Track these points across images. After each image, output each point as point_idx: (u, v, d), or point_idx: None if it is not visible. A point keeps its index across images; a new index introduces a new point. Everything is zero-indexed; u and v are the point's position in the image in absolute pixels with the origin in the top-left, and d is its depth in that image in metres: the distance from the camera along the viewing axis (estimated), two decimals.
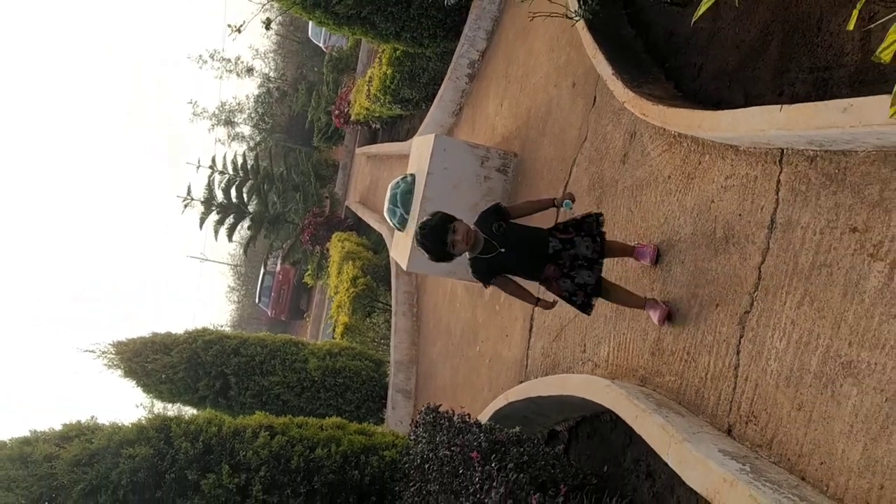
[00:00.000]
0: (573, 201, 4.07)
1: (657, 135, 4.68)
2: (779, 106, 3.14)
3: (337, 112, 19.88)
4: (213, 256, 50.88)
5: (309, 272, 21.89)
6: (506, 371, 6.74)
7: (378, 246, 15.69)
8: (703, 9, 2.78)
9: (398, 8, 9.34)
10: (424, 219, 4.11)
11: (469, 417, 4.98)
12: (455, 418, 4.88)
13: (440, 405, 5.22)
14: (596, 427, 5.36)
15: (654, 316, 4.11)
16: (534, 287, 4.34)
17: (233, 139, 41.23)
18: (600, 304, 4.43)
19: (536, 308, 4.39)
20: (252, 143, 39.47)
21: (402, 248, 7.89)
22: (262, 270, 33.60)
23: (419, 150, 8.01)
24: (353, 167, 23.72)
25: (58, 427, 5.69)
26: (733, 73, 4.32)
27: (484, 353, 7.63)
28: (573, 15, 4.96)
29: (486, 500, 3.74)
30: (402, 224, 7.89)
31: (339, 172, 25.15)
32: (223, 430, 5.62)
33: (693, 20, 3.15)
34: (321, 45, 29.00)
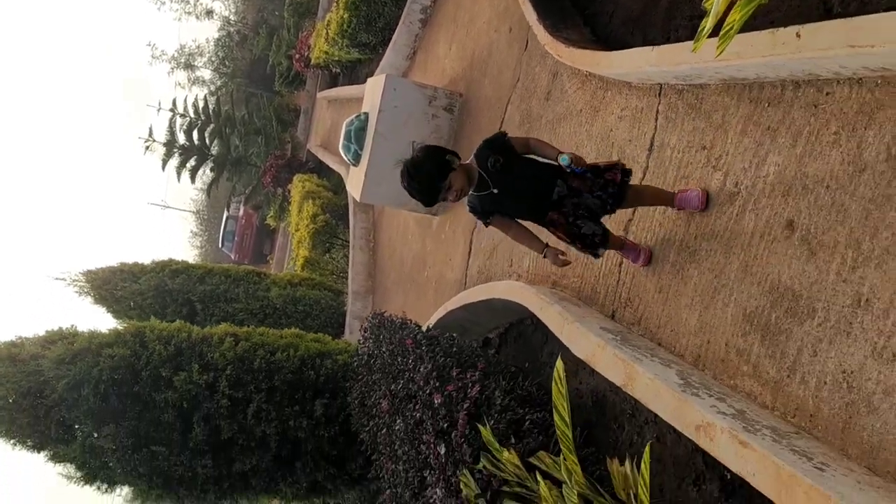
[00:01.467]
0: (577, 165, 3.40)
1: (573, 74, 5.37)
2: (651, 47, 3.85)
3: (298, 56, 20.13)
4: (175, 203, 50.66)
5: (271, 214, 22.38)
6: (449, 290, 7.50)
7: (337, 187, 16.24)
8: None
9: None
10: (414, 155, 3.49)
11: (410, 321, 5.73)
12: (397, 320, 5.62)
13: (385, 311, 5.96)
14: (521, 331, 6.17)
15: (638, 260, 3.95)
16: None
17: (193, 83, 40.77)
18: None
19: (474, 231, 4.87)
20: (213, 88, 39.15)
21: (356, 181, 8.53)
22: (224, 215, 33.74)
23: (372, 89, 8.60)
24: (314, 111, 24.02)
25: (41, 333, 6.31)
26: (636, 20, 5.01)
27: (431, 278, 8.39)
28: None
29: (415, 377, 4.50)
30: (356, 159, 8.51)
31: (301, 117, 25.40)
32: (192, 336, 6.31)
33: None
34: None
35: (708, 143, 3.70)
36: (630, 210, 4.19)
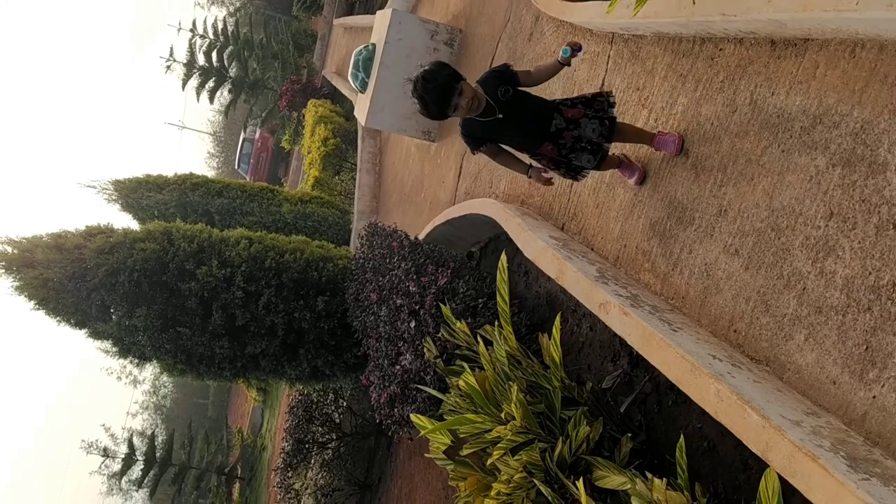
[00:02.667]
0: (579, 49, 3.52)
1: (550, 19, 6.10)
2: (599, 3, 4.60)
3: None
4: (192, 124, 51.34)
5: (286, 137, 23.15)
6: (441, 209, 8.37)
7: (349, 113, 16.95)
8: None
9: None
10: (427, 67, 3.51)
11: (399, 230, 6.63)
12: (388, 228, 6.53)
13: (379, 221, 6.86)
14: (497, 245, 7.07)
15: (632, 178, 4.16)
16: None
17: (212, 3, 40.93)
18: None
19: (465, 157, 5.62)
20: (232, 9, 39.29)
21: (362, 106, 9.31)
22: (241, 137, 34.49)
23: (380, 22, 9.29)
24: (330, 38, 24.46)
25: (82, 228, 7.27)
26: None
27: (427, 198, 9.25)
28: None
29: (398, 273, 5.42)
30: (363, 87, 9.27)
31: (318, 43, 25.85)
32: (213, 237, 7.26)
33: None
34: None
35: (640, 85, 4.49)
36: None
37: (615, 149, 4.10)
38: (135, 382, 55.02)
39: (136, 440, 24.31)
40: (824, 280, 2.82)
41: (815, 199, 2.94)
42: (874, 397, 2.52)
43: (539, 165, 3.87)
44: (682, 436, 3.17)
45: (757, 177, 3.30)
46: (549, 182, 3.86)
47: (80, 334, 7.13)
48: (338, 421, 9.05)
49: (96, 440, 22.79)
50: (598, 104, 3.67)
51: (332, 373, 7.63)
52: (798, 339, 2.90)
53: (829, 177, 2.89)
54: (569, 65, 3.64)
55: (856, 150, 2.79)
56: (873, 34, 2.73)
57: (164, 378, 55.26)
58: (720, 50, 3.76)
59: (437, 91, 3.42)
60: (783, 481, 2.48)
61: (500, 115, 3.56)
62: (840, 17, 2.70)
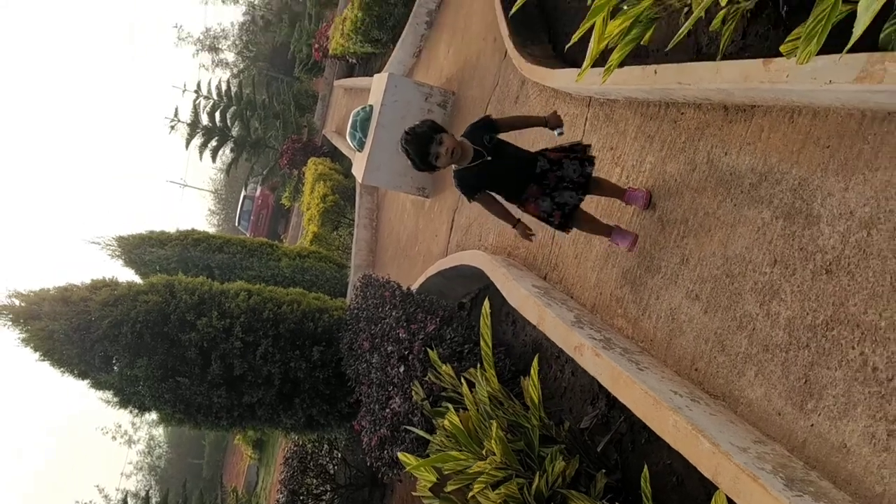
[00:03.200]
0: (562, 129, 4.03)
1: (534, 84, 6.52)
2: (574, 69, 5.00)
3: (317, 46, 21.32)
4: (193, 182, 52.11)
5: (286, 194, 23.63)
6: (433, 261, 8.69)
7: (348, 171, 17.42)
8: None
9: None
10: (413, 125, 3.87)
11: (391, 281, 6.93)
12: (381, 279, 6.82)
13: (372, 273, 7.16)
14: (487, 295, 7.34)
15: (623, 243, 4.24)
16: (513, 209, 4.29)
17: (217, 65, 42.11)
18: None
19: (457, 210, 5.89)
20: (236, 71, 40.43)
21: (360, 164, 9.72)
22: (242, 194, 35.05)
23: (377, 85, 9.77)
24: (331, 98, 25.21)
25: (87, 281, 7.57)
26: (584, 42, 6.15)
27: (420, 252, 9.58)
28: None
29: (389, 320, 5.70)
30: (361, 146, 9.70)
31: (318, 103, 26.60)
32: (213, 289, 7.54)
33: None
34: None
35: (614, 145, 4.85)
36: None
37: (606, 218, 4.46)
38: (129, 442, 54.48)
39: (130, 501, 24.07)
40: (770, 321, 3.10)
41: (761, 248, 3.25)
42: (812, 425, 2.78)
43: (524, 223, 4.14)
44: (645, 465, 3.40)
45: (713, 228, 3.62)
46: (530, 237, 4.18)
47: (75, 394, 7.33)
48: (332, 472, 9.17)
49: (90, 501, 22.57)
50: (576, 152, 3.99)
51: (327, 422, 7.81)
52: (749, 376, 3.17)
53: (773, 228, 3.20)
54: (552, 130, 4.04)
55: (795, 203, 3.11)
56: (806, 102, 3.09)
57: (160, 438, 54.71)
58: (682, 114, 4.12)
59: (416, 141, 3.76)
60: (732, 503, 2.73)
61: (489, 158, 3.85)
62: (775, 88, 3.06)
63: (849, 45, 2.22)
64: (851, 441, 2.61)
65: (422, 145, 3.75)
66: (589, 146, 4.06)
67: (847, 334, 2.72)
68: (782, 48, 2.81)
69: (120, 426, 51.38)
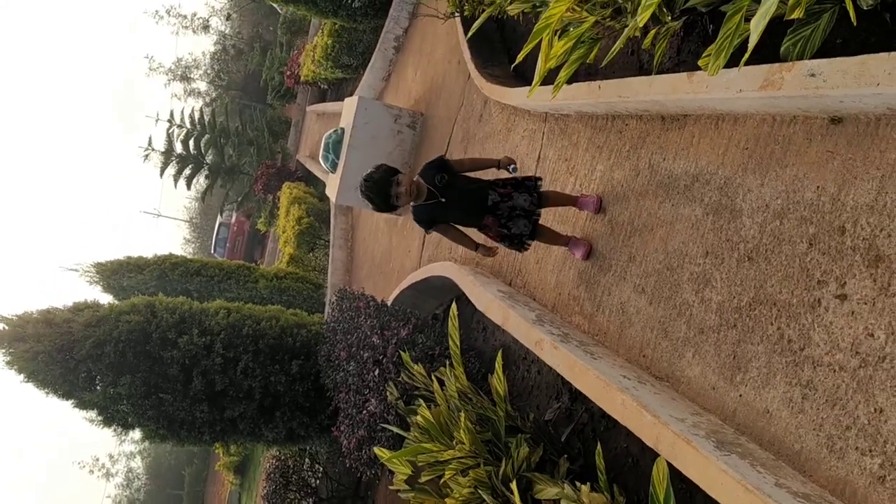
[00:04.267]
0: (515, 166, 4.36)
1: (495, 103, 6.90)
2: (529, 88, 5.37)
3: (289, 73, 21.68)
4: (168, 211, 52.00)
5: (262, 219, 23.85)
6: (406, 276, 9.00)
7: (323, 194, 17.72)
8: (514, 12, 4.98)
9: None
10: (369, 171, 4.14)
11: (365, 294, 7.22)
12: (356, 293, 7.11)
13: (347, 288, 7.44)
14: (459, 308, 7.66)
15: (578, 253, 4.55)
16: (473, 232, 4.57)
17: (189, 94, 42.32)
18: None
19: None
20: (208, 99, 40.65)
21: (332, 185, 10.03)
22: (217, 221, 35.09)
23: (348, 108, 10.12)
24: (304, 124, 25.55)
25: (69, 304, 7.76)
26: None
27: (395, 268, 9.88)
28: (442, 15, 7.10)
29: (364, 328, 5.98)
30: (334, 167, 10.02)
31: (292, 129, 26.93)
32: (193, 308, 7.77)
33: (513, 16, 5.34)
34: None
35: (568, 156, 5.22)
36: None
37: (564, 230, 4.82)
38: (107, 475, 53.69)
39: None
40: (704, 306, 3.45)
41: (695, 242, 3.61)
42: (740, 395, 3.12)
43: (484, 244, 4.50)
44: (599, 443, 3.72)
45: (655, 227, 3.98)
46: (493, 254, 4.56)
47: (51, 431, 7.48)
48: (314, 485, 9.36)
49: None
50: (526, 187, 4.32)
51: (308, 434, 8.04)
52: (688, 357, 3.51)
53: (705, 223, 3.56)
54: (503, 169, 4.38)
55: (721, 200, 3.48)
56: (726, 109, 3.46)
57: (138, 470, 53.95)
58: (626, 125, 4.50)
59: (375, 186, 4.06)
60: (672, 470, 3.04)
61: (442, 199, 4.15)
62: (698, 98, 3.43)
63: (745, 58, 2.60)
64: (773, 406, 2.95)
65: (382, 189, 4.05)
66: (540, 179, 4.39)
67: (766, 312, 3.07)
68: (700, 62, 3.19)
69: (97, 459, 50.66)
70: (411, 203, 4.22)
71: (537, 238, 4.50)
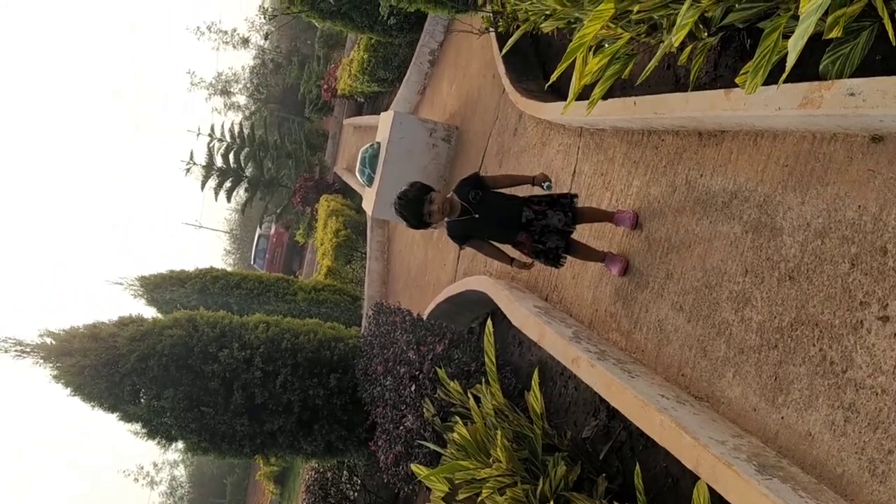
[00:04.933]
0: (550, 183, 4.37)
1: (530, 117, 6.90)
2: (564, 103, 5.36)
3: (326, 86, 21.95)
4: (208, 223, 52.97)
5: (300, 231, 24.11)
6: (442, 290, 9.02)
7: (359, 206, 17.86)
8: (548, 29, 5.00)
9: (371, 6, 11.47)
10: (403, 188, 4.21)
11: (402, 308, 7.26)
12: (392, 307, 7.15)
13: (383, 302, 7.49)
14: (495, 321, 7.65)
15: (615, 269, 4.53)
16: (507, 247, 4.63)
17: (229, 108, 43.05)
18: None
19: None
20: (248, 113, 41.32)
21: (369, 199, 10.12)
22: (256, 233, 35.58)
23: (383, 123, 10.21)
24: (340, 137, 25.82)
25: (114, 319, 7.94)
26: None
27: (430, 281, 9.91)
28: (476, 31, 7.13)
29: (400, 344, 6.02)
30: (370, 181, 10.11)
31: (329, 141, 27.22)
32: (233, 322, 7.90)
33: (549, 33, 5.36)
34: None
35: (604, 171, 5.20)
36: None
37: (600, 245, 4.80)
38: (152, 483, 54.53)
39: None
40: (744, 326, 3.41)
41: (735, 260, 3.57)
42: (782, 418, 3.06)
43: (519, 260, 4.49)
44: (637, 463, 3.68)
45: (693, 244, 3.94)
46: (529, 267, 4.58)
47: (95, 440, 7.65)
48: (352, 498, 9.41)
49: None
50: (562, 203, 4.33)
51: (346, 447, 8.09)
52: (728, 377, 3.46)
53: (744, 241, 3.52)
54: (537, 185, 4.40)
55: (761, 218, 3.43)
56: (765, 126, 3.42)
57: (181, 478, 54.79)
58: (662, 140, 4.47)
59: (409, 205, 4.14)
60: (712, 492, 3.00)
61: (476, 215, 4.20)
62: (736, 115, 3.40)
63: (783, 77, 2.57)
64: (815, 429, 2.89)
65: (415, 207, 4.12)
66: (576, 196, 4.39)
67: (808, 333, 3.02)
68: (737, 80, 3.15)
69: (142, 468, 51.51)
70: (446, 219, 4.25)
71: (572, 254, 4.50)
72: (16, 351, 7.37)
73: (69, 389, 7.41)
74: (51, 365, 7.39)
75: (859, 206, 2.87)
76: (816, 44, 2.94)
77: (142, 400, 7.58)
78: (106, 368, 7.34)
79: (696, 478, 3.22)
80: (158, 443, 7.80)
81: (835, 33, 2.45)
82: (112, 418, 7.74)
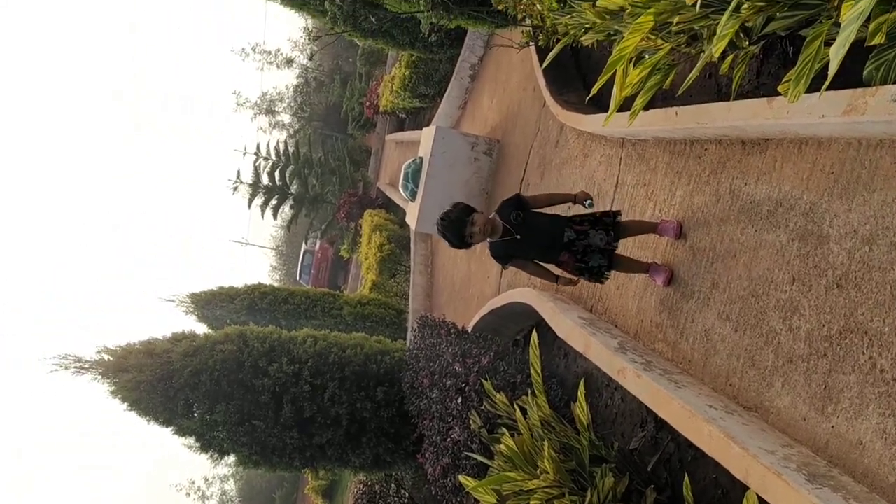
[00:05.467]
0: (591, 201, 4.38)
1: (571, 129, 6.93)
2: (605, 114, 5.39)
3: (368, 103, 22.27)
4: (255, 239, 53.86)
5: (345, 246, 24.43)
6: (486, 302, 9.06)
7: (403, 221, 18.03)
8: (588, 42, 5.05)
9: (412, 23, 11.64)
10: (446, 209, 4.30)
11: (447, 321, 7.32)
12: (437, 320, 7.22)
13: (428, 315, 7.57)
14: (540, 333, 7.66)
15: (659, 279, 4.53)
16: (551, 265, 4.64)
17: (274, 127, 43.88)
18: None
19: None
20: (292, 131, 42.05)
21: (412, 214, 10.24)
22: (302, 249, 36.12)
23: (426, 138, 10.33)
24: (383, 152, 26.13)
25: (168, 335, 8.17)
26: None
27: (474, 294, 9.96)
28: (516, 45, 7.20)
29: (446, 356, 6.08)
30: (413, 196, 10.23)
31: (372, 157, 27.58)
32: (282, 337, 8.06)
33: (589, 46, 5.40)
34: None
35: (646, 182, 5.20)
36: None
37: (644, 256, 4.83)
38: (203, 498, 55.41)
39: None
40: (792, 335, 3.38)
41: (781, 268, 3.54)
42: (833, 427, 3.03)
43: (564, 277, 4.56)
44: (686, 474, 3.66)
45: (738, 253, 3.92)
46: (574, 283, 4.61)
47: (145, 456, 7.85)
48: None
49: None
50: (603, 223, 4.36)
51: (393, 460, 8.17)
52: (777, 387, 3.43)
53: (790, 249, 3.50)
54: (579, 203, 4.43)
55: (807, 226, 3.41)
56: (810, 134, 3.41)
57: (232, 493, 55.56)
58: (705, 150, 4.46)
59: (451, 226, 4.24)
60: (762, 502, 2.98)
61: (518, 236, 4.27)
62: (779, 123, 3.39)
63: (825, 85, 2.57)
64: (866, 438, 2.86)
65: (457, 228, 4.22)
66: (619, 213, 4.43)
67: (858, 341, 2.99)
68: (780, 88, 3.15)
69: (193, 482, 52.38)
70: (488, 239, 4.31)
71: (616, 268, 4.53)
72: (75, 368, 7.64)
73: (126, 404, 7.63)
74: (108, 381, 7.63)
75: None
76: (859, 51, 2.93)
77: (195, 414, 7.77)
78: (160, 383, 7.56)
79: (745, 488, 3.20)
80: (211, 456, 7.98)
81: (877, 40, 2.45)
82: (157, 431, 7.94)
